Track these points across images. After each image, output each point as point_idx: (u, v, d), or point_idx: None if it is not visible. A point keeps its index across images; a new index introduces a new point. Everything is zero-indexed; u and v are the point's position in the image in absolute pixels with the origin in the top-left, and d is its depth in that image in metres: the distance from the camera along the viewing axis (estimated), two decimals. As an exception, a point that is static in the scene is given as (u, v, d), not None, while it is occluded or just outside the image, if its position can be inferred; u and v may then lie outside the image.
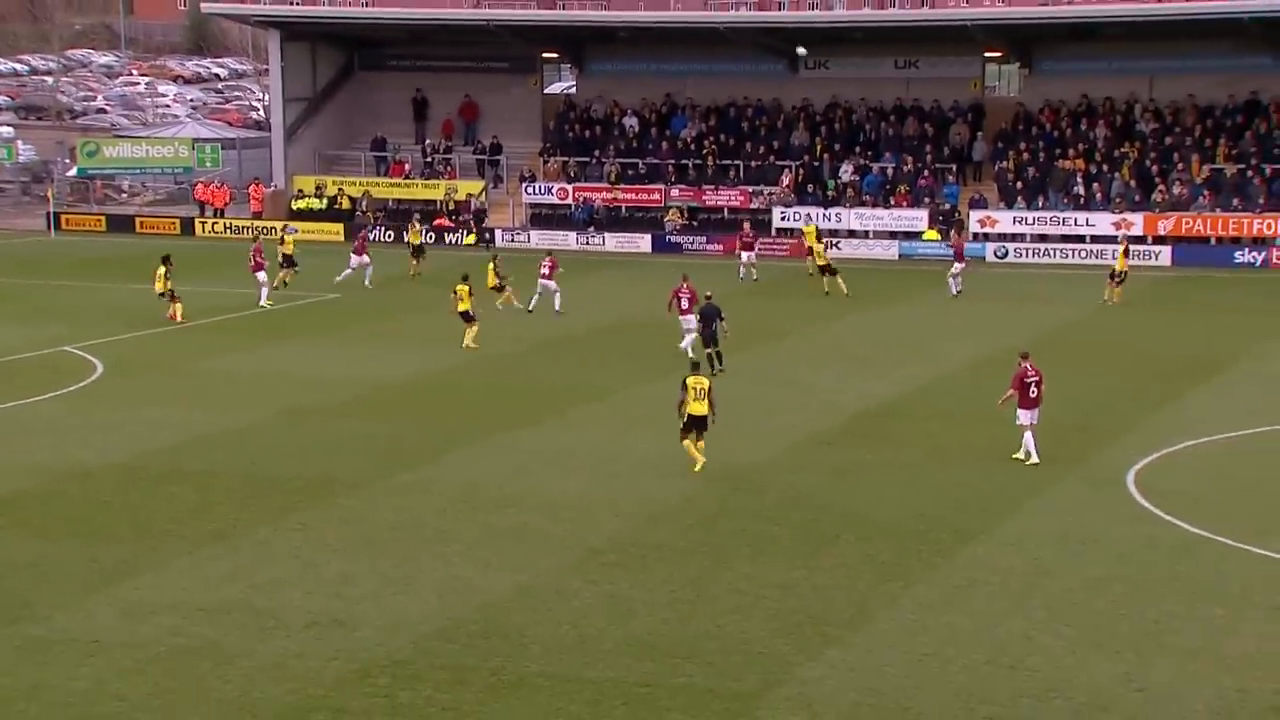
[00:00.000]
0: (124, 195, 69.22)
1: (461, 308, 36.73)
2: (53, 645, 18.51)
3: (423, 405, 31.47)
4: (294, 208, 61.47)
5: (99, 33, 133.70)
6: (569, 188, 59.88)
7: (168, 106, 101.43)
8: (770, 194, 57.51)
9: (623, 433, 29.21)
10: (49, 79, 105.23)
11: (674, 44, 61.91)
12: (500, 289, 41.71)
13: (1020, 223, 54.81)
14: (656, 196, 58.94)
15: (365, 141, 64.22)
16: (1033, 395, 26.19)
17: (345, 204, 61.06)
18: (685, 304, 35.74)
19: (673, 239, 56.54)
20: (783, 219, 56.65)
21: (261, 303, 43.13)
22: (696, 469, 25.80)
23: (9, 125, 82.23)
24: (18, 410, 30.49)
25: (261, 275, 43.36)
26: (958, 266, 45.93)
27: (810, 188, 57.51)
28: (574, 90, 66.18)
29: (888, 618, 19.47)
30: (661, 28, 61.03)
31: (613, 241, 56.97)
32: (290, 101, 63.32)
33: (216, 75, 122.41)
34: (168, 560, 21.56)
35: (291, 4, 64.78)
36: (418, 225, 51.69)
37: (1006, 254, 53.75)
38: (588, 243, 57.05)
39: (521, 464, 26.82)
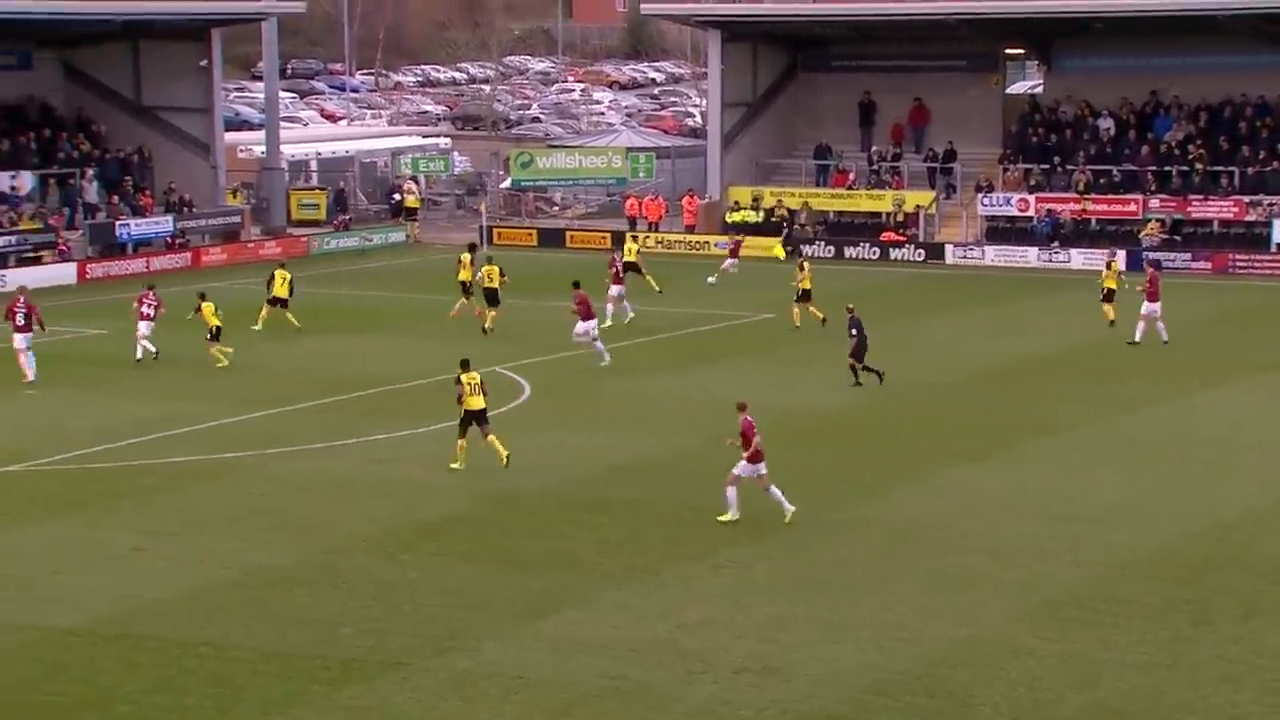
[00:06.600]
0: (555, 208, 72.52)
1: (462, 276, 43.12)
2: (480, 679, 19.61)
3: (857, 436, 31.63)
4: (728, 220, 62.76)
5: (536, 38, 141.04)
6: (1030, 198, 58.84)
7: (602, 114, 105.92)
8: (1271, 205, 54.80)
9: (1084, 471, 28.56)
10: (486, 88, 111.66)
11: (1157, 35, 59.84)
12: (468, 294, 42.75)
13: None
14: (1133, 208, 57.17)
15: (806, 149, 65.01)
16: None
17: (783, 216, 61.83)
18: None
19: (1151, 255, 54.68)
20: (1284, 233, 53.91)
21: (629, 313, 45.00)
22: (503, 464, 28.29)
23: (446, 136, 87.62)
24: (450, 432, 32.46)
25: (617, 289, 44.73)
26: (729, 263, 49.13)
27: (1321, 198, 54.47)
28: (1040, 90, 65.00)
29: None
30: (1145, 17, 59.09)
31: (1080, 258, 55.54)
32: (729, 106, 64.75)
33: (653, 80, 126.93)
34: (595, 594, 22.53)
35: (734, 2, 66.32)
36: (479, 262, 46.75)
37: None
38: (1050, 259, 55.87)
39: (968, 503, 26.61)
